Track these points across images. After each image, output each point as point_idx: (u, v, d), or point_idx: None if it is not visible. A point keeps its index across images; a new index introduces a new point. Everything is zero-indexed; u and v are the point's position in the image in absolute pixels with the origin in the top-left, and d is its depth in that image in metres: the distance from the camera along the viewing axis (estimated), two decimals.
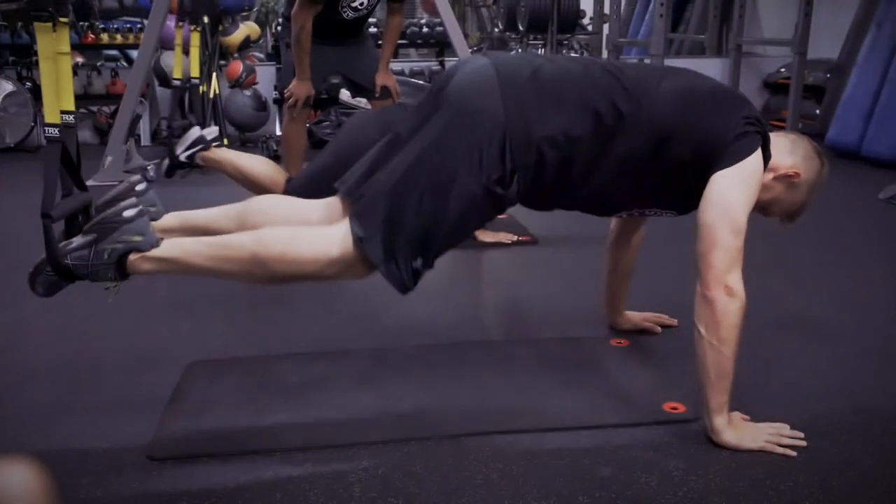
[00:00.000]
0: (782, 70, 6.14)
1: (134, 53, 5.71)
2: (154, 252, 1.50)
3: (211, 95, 5.08)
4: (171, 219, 1.71)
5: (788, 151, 1.71)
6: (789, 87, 5.47)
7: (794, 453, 1.51)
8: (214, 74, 5.03)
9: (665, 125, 1.56)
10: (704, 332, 1.51)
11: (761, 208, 1.72)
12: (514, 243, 3.06)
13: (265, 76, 6.02)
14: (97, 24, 5.94)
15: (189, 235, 1.66)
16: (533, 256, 2.95)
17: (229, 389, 1.83)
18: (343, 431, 1.63)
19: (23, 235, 3.35)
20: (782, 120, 5.57)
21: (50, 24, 1.60)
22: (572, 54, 8.35)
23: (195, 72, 3.20)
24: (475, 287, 2.65)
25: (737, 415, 1.59)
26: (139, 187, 1.67)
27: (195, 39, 3.22)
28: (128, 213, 1.50)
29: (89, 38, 5.80)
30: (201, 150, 2.74)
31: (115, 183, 3.99)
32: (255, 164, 2.76)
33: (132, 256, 1.50)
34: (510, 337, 2.17)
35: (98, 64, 6.06)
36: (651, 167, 1.59)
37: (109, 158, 4.29)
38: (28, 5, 1.58)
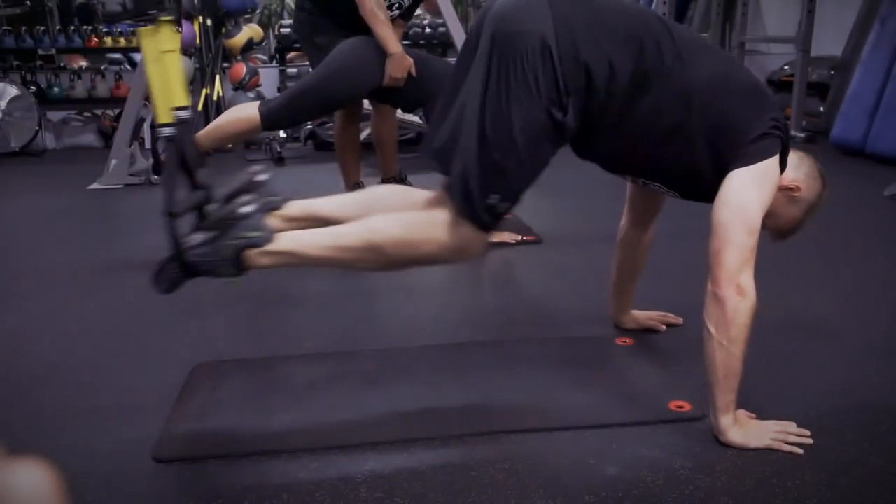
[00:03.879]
0: (786, 67, 6.13)
1: (137, 56, 5.71)
2: (271, 246, 1.53)
3: (214, 98, 5.09)
4: (294, 208, 1.71)
5: (794, 166, 1.69)
6: (793, 85, 5.46)
7: (800, 451, 1.51)
8: (217, 77, 5.05)
9: (695, 95, 1.53)
10: (714, 330, 1.50)
11: None
12: (518, 243, 3.06)
13: (268, 78, 6.03)
14: (101, 27, 5.96)
15: (311, 225, 1.69)
16: (537, 256, 2.95)
17: (235, 391, 1.83)
18: (349, 432, 1.63)
19: (27, 239, 3.37)
20: (786, 117, 5.55)
21: (152, 28, 1.67)
22: None
23: None
24: (480, 287, 2.65)
25: (743, 413, 1.59)
26: (260, 178, 1.65)
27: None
28: (245, 210, 1.54)
29: (93, 42, 5.82)
30: None
31: (119, 186, 4.00)
32: (221, 122, 2.79)
33: (250, 252, 1.53)
34: (515, 337, 2.16)
35: (102, 67, 6.08)
36: (673, 136, 1.57)
37: (114, 161, 4.31)
38: (133, 13, 1.64)
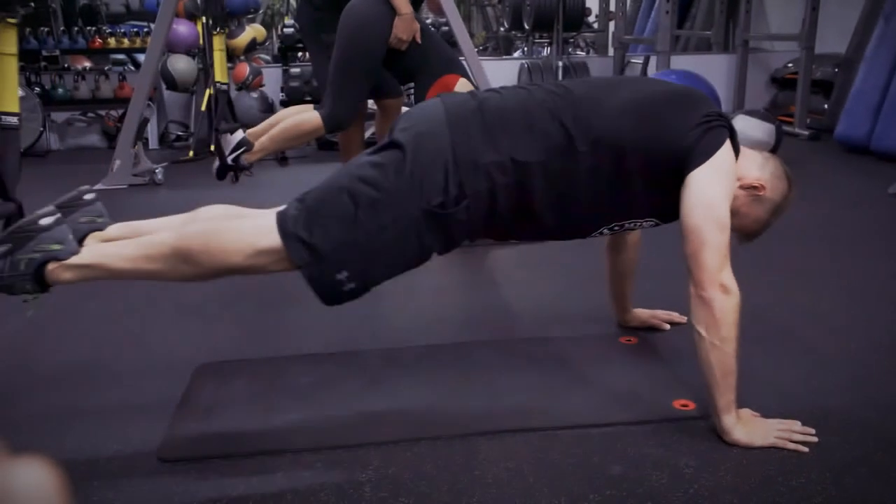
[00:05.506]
0: (790, 65, 6.11)
1: (141, 57, 5.72)
2: (74, 259, 1.46)
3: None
4: (116, 229, 1.66)
5: (759, 166, 1.69)
6: (797, 83, 5.45)
7: (805, 449, 1.51)
8: None
9: (622, 140, 1.54)
10: (705, 333, 1.50)
11: None
12: (520, 242, 3.05)
13: (272, 78, 6.04)
14: (104, 28, 5.97)
15: None
16: (540, 255, 2.95)
17: (239, 391, 1.83)
18: (353, 432, 1.63)
19: None
20: (790, 115, 5.54)
21: None
22: (578, 52, 8.35)
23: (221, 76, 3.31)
24: (482, 286, 2.64)
25: (746, 411, 1.59)
26: (88, 196, 1.63)
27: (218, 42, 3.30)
28: (45, 221, 1.45)
29: (97, 43, 5.82)
30: (244, 151, 2.79)
31: (123, 187, 4.01)
32: (287, 133, 2.84)
33: (51, 266, 1.45)
34: (518, 336, 2.16)
35: (106, 68, 6.08)
36: (620, 182, 1.57)
37: (118, 162, 4.31)
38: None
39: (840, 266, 2.73)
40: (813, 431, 1.55)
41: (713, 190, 1.53)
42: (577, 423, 1.64)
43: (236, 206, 1.68)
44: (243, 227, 1.51)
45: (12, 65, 1.61)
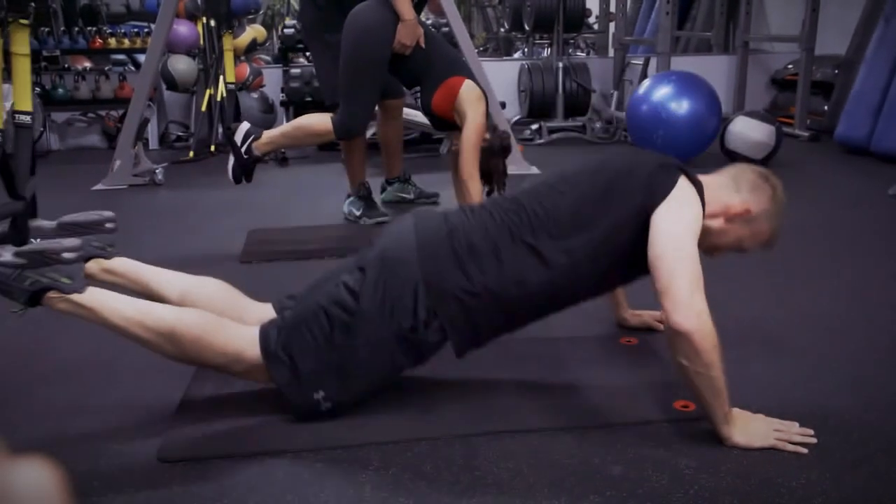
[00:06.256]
0: (790, 66, 6.12)
1: (141, 58, 5.72)
2: (76, 297, 1.56)
3: (218, 98, 5.10)
4: (120, 263, 1.77)
5: (734, 189, 1.68)
6: (797, 84, 5.45)
7: (804, 451, 1.50)
8: (221, 77, 5.05)
9: (588, 240, 1.59)
10: (688, 363, 1.48)
11: (732, 250, 1.72)
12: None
13: (272, 79, 6.04)
14: (105, 28, 5.97)
15: (130, 285, 1.76)
16: None
17: (239, 391, 1.83)
18: (353, 432, 1.63)
19: None
20: (790, 116, 5.55)
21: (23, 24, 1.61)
22: (578, 53, 8.34)
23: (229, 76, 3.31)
24: None
25: (744, 412, 1.58)
26: (109, 225, 1.76)
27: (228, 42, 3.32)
28: (67, 256, 1.56)
29: (97, 43, 5.83)
30: (254, 139, 2.82)
31: (123, 187, 4.00)
32: (299, 122, 2.90)
33: (52, 294, 1.56)
34: (518, 336, 2.16)
35: (106, 68, 6.09)
36: (602, 273, 1.64)
37: (118, 162, 4.31)
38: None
39: (840, 266, 2.73)
40: (812, 433, 1.55)
41: (676, 225, 1.54)
42: (577, 423, 1.64)
43: (235, 292, 1.81)
44: (235, 334, 1.61)
45: (26, 65, 1.68)
